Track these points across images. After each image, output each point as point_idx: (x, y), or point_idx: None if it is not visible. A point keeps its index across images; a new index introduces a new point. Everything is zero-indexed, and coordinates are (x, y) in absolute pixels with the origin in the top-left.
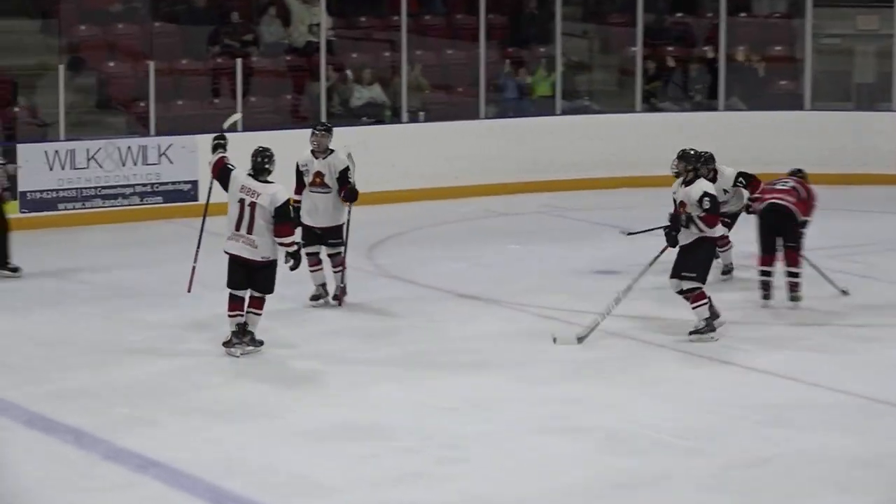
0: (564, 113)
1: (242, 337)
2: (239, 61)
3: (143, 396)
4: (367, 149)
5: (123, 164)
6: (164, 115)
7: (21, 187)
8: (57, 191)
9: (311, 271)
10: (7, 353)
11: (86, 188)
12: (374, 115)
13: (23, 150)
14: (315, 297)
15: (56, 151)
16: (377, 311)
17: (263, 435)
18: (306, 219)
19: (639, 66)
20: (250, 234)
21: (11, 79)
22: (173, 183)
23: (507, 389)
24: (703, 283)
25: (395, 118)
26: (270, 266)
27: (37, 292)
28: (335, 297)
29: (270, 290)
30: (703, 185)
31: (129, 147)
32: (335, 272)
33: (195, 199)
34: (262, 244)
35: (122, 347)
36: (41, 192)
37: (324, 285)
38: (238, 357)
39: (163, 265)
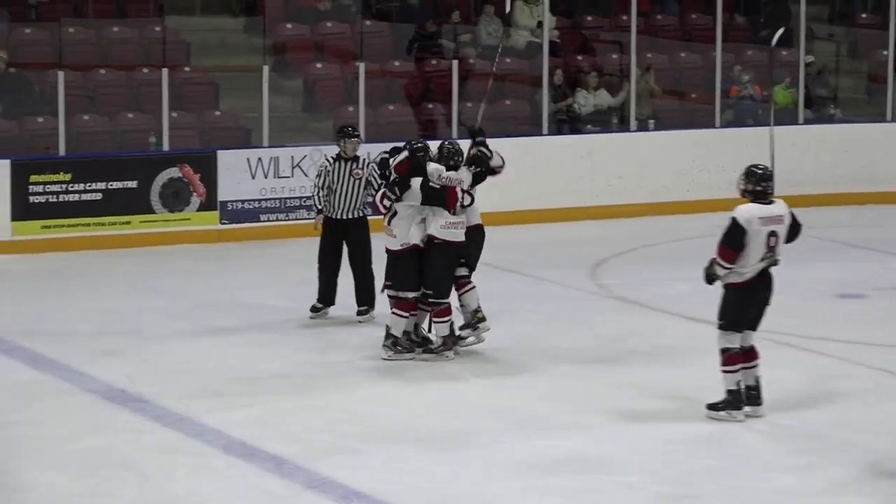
0: (808, 122)
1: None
2: (454, 63)
3: (347, 423)
4: (591, 159)
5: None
6: (373, 122)
7: (221, 196)
8: (259, 201)
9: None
10: (207, 377)
11: (289, 198)
12: (600, 122)
13: (223, 157)
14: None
15: (259, 159)
16: (599, 335)
17: (476, 467)
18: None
19: (890, 71)
20: None
21: (213, 80)
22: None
23: (738, 422)
24: None
25: (623, 126)
26: None
27: (236, 311)
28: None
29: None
30: None
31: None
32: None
33: None
34: None
35: (326, 370)
36: (242, 202)
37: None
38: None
39: None
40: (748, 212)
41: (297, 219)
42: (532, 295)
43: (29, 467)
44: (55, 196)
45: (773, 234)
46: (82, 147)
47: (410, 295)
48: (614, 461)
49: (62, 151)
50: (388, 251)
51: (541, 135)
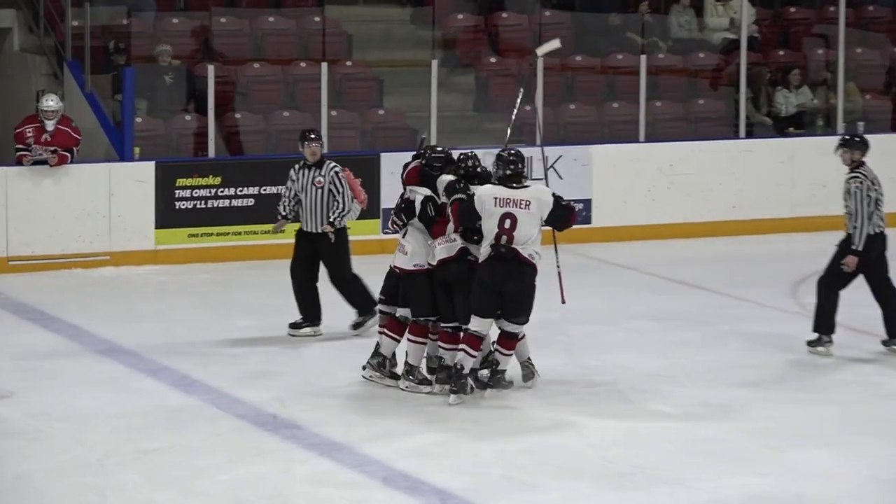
0: None
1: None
2: (643, 58)
3: (521, 455)
4: (792, 164)
5: None
6: (553, 122)
7: (384, 203)
8: None
9: None
10: (368, 401)
11: None
12: (803, 124)
13: (387, 160)
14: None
15: None
16: (798, 361)
17: None
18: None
19: None
20: None
21: (376, 76)
22: None
23: None
24: None
25: (829, 128)
26: None
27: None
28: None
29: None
30: None
31: None
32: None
33: (588, 221)
34: None
35: (496, 396)
36: None
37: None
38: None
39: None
40: None
41: None
42: (727, 316)
43: (175, 499)
44: (203, 202)
45: None
46: (233, 148)
47: (422, 320)
48: (821, 500)
49: (211, 153)
50: (395, 270)
51: (737, 138)
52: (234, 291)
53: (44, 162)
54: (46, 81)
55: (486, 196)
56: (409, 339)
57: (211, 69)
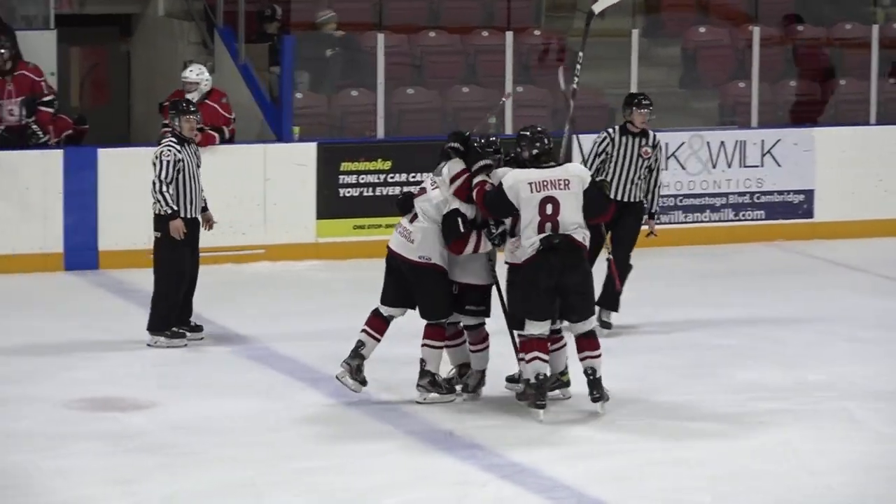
0: None
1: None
2: (875, 28)
3: (730, 480)
4: None
5: (714, 166)
6: (770, 101)
7: None
8: None
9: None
10: (554, 415)
11: (663, 196)
12: None
13: (582, 140)
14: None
15: None
16: None
17: None
18: None
19: None
20: None
21: (570, 47)
22: (780, 193)
23: None
24: None
25: None
26: None
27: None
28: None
29: None
30: None
31: (721, 142)
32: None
33: (809, 215)
34: None
35: (706, 411)
36: None
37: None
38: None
39: (749, 312)
40: None
41: (670, 223)
42: None
43: None
44: (370, 188)
45: None
46: (405, 128)
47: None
48: None
49: (381, 133)
50: (395, 255)
51: None
52: None
53: None
54: (195, 51)
55: (519, 183)
56: (425, 345)
57: (381, 38)
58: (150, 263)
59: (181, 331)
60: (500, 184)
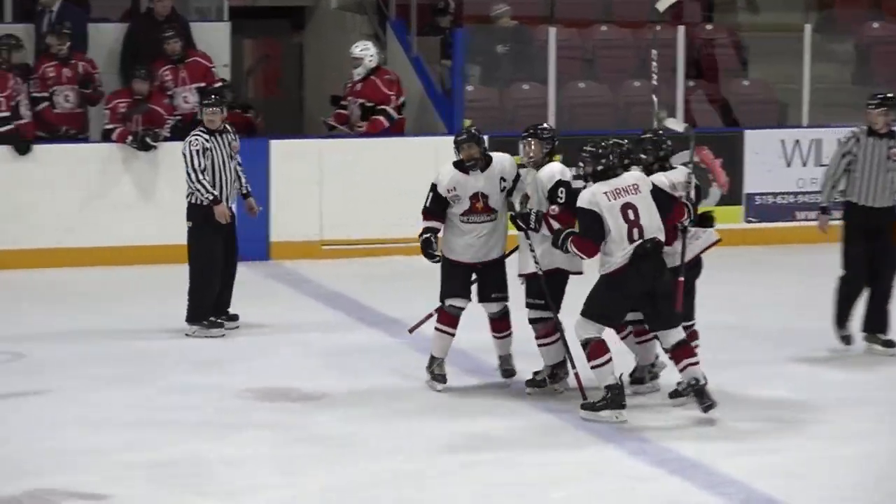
0: None
1: None
2: None
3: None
4: None
5: None
6: None
7: (747, 188)
8: (794, 194)
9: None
10: (726, 409)
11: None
12: None
13: (751, 137)
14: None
15: (796, 141)
16: None
17: None
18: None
19: None
20: None
21: (740, 42)
22: None
23: None
24: None
25: None
26: None
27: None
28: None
29: None
30: None
31: None
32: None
33: None
34: None
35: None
36: (773, 195)
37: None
38: None
39: None
40: None
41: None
42: None
43: None
44: None
45: None
46: (576, 122)
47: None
48: None
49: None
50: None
51: None
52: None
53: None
54: None
55: (595, 195)
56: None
57: (552, 32)
58: (322, 254)
59: (219, 321)
60: (580, 208)
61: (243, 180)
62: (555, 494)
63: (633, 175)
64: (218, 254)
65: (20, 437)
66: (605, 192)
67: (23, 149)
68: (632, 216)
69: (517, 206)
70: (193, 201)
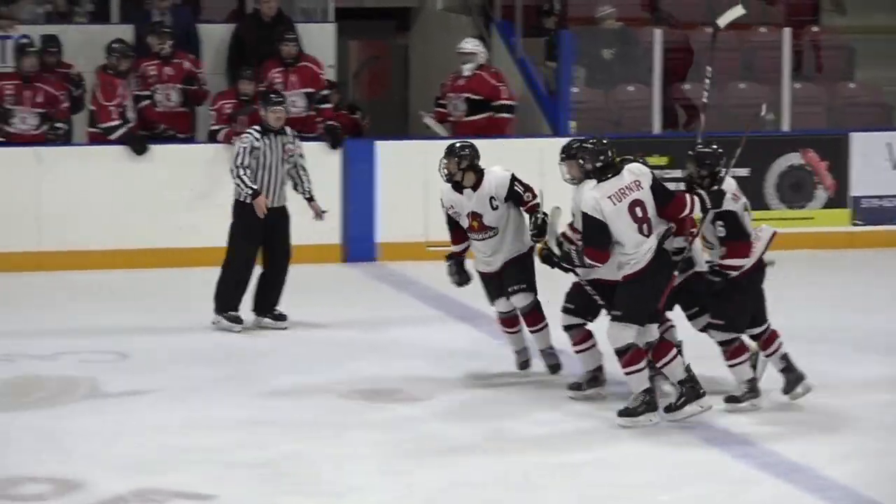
0: None
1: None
2: None
3: None
4: None
5: None
6: None
7: (854, 191)
8: None
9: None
10: (826, 417)
11: None
12: None
13: (858, 140)
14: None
15: None
16: None
17: None
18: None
19: None
20: None
21: (848, 44)
22: None
23: None
24: None
25: None
26: None
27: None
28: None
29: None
30: None
31: None
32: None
33: None
34: None
35: None
36: (880, 198)
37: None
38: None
39: None
40: None
41: None
42: None
43: None
44: None
45: None
46: (683, 124)
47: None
48: None
49: (656, 129)
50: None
51: None
52: None
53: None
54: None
55: (598, 201)
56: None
57: (658, 34)
58: (428, 255)
59: (238, 315)
60: (584, 213)
61: (306, 184)
62: (662, 497)
63: (633, 170)
64: (251, 253)
65: (127, 437)
66: (609, 197)
67: (140, 149)
68: (640, 213)
69: (556, 250)
70: (237, 197)
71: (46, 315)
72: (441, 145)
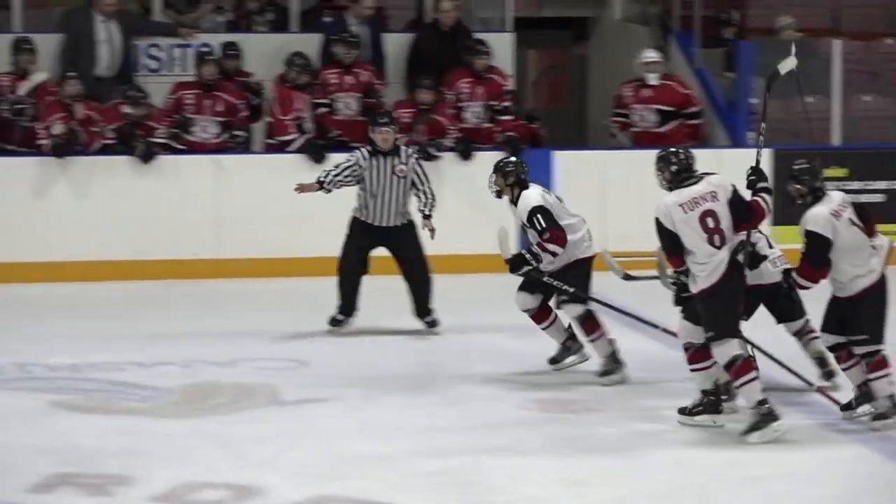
0: None
1: None
2: None
3: None
4: None
5: None
6: None
7: None
8: None
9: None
10: None
11: None
12: None
13: None
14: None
15: None
16: None
17: None
18: None
19: None
20: None
21: None
22: None
23: None
24: None
25: None
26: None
27: None
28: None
29: None
30: None
31: None
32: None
33: None
34: None
35: None
36: None
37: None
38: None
39: None
40: None
41: None
42: None
43: None
44: None
45: None
46: (862, 135)
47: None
48: None
49: (835, 140)
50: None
51: None
52: None
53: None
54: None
55: (669, 208)
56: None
57: (837, 45)
58: (604, 265)
59: (341, 319)
60: (656, 219)
61: (421, 203)
62: None
63: (712, 181)
64: (352, 264)
65: (306, 445)
66: (681, 205)
67: (318, 157)
68: (711, 224)
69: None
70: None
71: (224, 322)
72: (622, 157)
